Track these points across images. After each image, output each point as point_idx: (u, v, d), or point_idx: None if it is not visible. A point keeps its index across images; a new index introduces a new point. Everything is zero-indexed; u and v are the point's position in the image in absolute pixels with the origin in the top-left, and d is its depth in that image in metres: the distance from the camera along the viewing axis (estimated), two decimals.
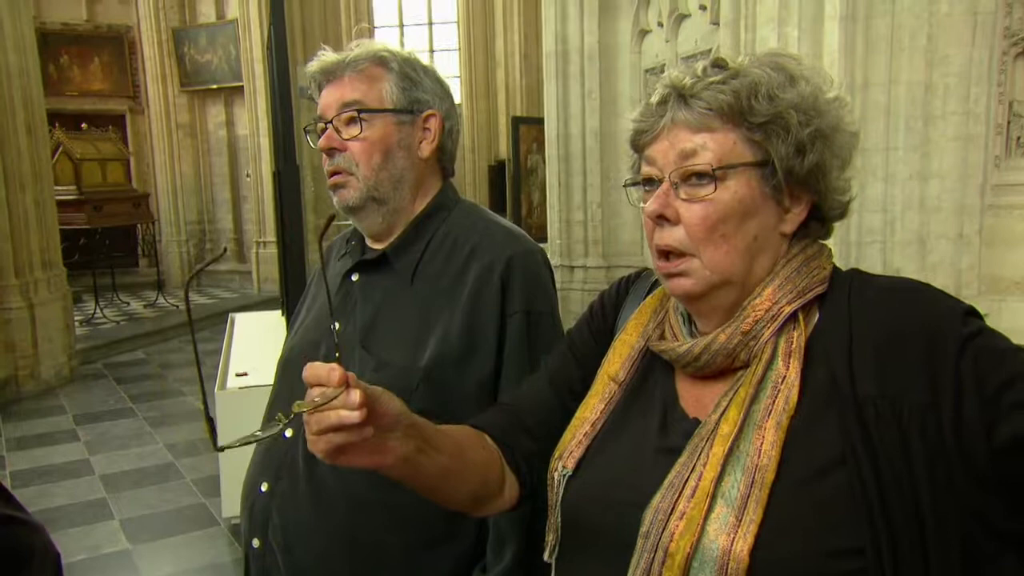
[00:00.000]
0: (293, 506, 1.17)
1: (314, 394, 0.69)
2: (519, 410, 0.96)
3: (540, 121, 6.10)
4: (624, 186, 0.85)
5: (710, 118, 0.76)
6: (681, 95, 0.77)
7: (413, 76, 1.21)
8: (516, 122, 9.29)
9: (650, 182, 0.80)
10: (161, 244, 10.07)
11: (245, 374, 3.46)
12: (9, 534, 0.70)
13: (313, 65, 1.21)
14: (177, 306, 8.64)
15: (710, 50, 4.09)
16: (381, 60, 1.19)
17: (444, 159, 1.27)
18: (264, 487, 1.19)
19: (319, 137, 1.21)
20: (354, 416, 0.67)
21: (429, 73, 1.24)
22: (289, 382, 1.25)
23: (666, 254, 0.79)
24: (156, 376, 6.14)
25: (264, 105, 8.53)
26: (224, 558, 3.20)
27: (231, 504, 3.30)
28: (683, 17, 4.51)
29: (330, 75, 1.20)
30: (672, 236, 0.78)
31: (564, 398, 0.93)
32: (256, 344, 3.94)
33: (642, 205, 0.81)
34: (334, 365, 0.69)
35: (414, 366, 1.13)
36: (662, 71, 4.76)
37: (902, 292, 0.76)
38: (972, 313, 0.72)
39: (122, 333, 7.34)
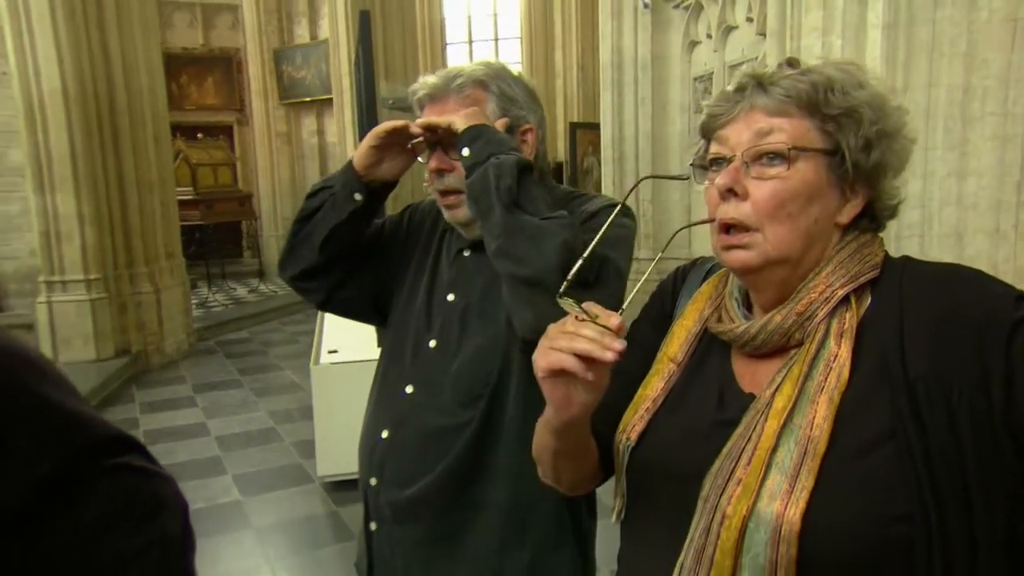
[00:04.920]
0: (407, 453, 1.19)
1: (594, 310, 0.66)
2: None
3: (596, 126, 6.05)
4: (691, 165, 0.81)
5: (787, 104, 0.73)
6: (760, 83, 0.75)
7: (510, 94, 1.18)
8: (573, 127, 9.20)
9: (717, 162, 0.77)
10: (262, 238, 10.39)
11: (336, 351, 3.57)
12: (148, 485, 0.74)
13: (418, 89, 1.18)
14: (276, 291, 8.92)
15: (756, 58, 3.98)
16: (482, 83, 1.17)
17: (541, 164, 1.23)
18: (384, 434, 1.22)
19: (430, 154, 1.18)
20: (608, 356, 0.65)
21: (520, 85, 1.20)
22: (400, 356, 1.24)
23: (728, 228, 0.76)
24: (259, 353, 6.35)
25: (350, 115, 8.69)
26: (318, 510, 3.30)
27: (325, 465, 3.41)
28: (731, 29, 4.40)
29: (434, 98, 1.17)
30: (738, 210, 0.74)
31: (627, 384, 0.90)
32: (345, 324, 4.02)
33: (705, 184, 0.78)
34: (617, 315, 0.67)
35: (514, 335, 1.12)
36: (710, 79, 4.65)
37: (954, 276, 0.72)
38: None
39: (230, 315, 7.58)
